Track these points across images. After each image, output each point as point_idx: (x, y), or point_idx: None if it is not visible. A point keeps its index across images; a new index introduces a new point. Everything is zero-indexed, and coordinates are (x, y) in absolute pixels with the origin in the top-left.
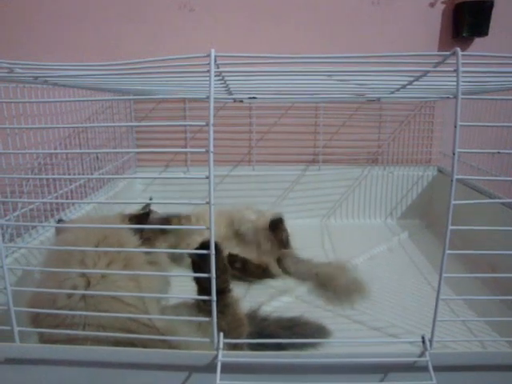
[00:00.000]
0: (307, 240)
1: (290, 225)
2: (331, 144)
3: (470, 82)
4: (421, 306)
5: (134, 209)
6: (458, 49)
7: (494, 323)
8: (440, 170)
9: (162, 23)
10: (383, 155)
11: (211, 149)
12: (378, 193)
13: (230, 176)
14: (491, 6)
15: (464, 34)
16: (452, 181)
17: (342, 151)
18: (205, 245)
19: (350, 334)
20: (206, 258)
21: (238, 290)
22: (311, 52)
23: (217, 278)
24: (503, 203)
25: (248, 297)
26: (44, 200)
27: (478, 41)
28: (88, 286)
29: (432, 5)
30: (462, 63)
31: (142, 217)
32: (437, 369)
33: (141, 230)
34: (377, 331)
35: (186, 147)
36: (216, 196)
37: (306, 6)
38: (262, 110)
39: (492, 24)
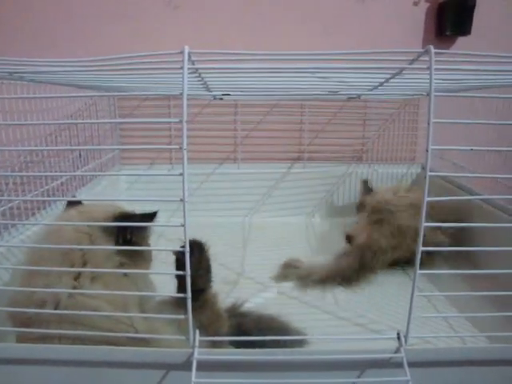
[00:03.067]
0: (292, 238)
1: (276, 222)
2: (316, 142)
3: (446, 79)
4: (405, 303)
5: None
6: (431, 46)
7: (475, 320)
8: (424, 168)
9: (146, 20)
10: (368, 153)
11: (184, 146)
12: None
13: (214, 174)
14: (473, 5)
15: (447, 33)
16: (425, 177)
17: (327, 149)
18: (190, 243)
19: (333, 331)
20: (191, 256)
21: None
22: (296, 49)
23: (200, 277)
24: (484, 201)
25: (232, 292)
26: (23, 198)
27: (461, 39)
28: (58, 303)
29: (416, 3)
30: (436, 61)
31: (135, 218)
32: (413, 365)
33: (123, 232)
34: (360, 327)
35: (170, 144)
36: (201, 194)
37: (292, 4)
38: (247, 107)
39: (475, 23)
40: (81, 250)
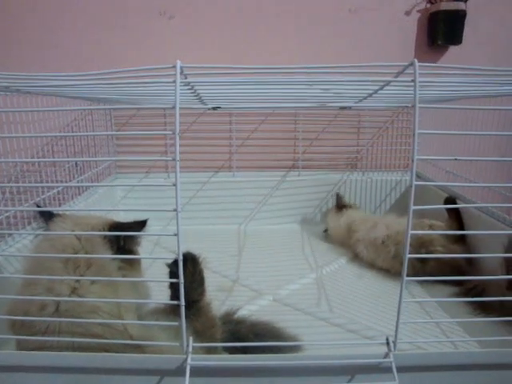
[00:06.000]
0: (287, 245)
1: (271, 230)
2: (311, 150)
3: (433, 90)
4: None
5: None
6: (415, 60)
7: (467, 325)
8: (418, 175)
9: (141, 30)
10: (362, 161)
11: (177, 158)
12: (357, 198)
13: (210, 182)
14: (464, 15)
15: (439, 42)
16: (411, 187)
17: (322, 157)
18: (184, 256)
19: (326, 337)
20: (185, 269)
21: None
22: (290, 58)
23: (193, 289)
24: (478, 209)
25: (227, 299)
26: (19, 208)
27: (452, 49)
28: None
29: (408, 13)
30: (421, 73)
31: (128, 226)
32: (402, 369)
33: (118, 239)
34: (353, 334)
35: (166, 153)
36: (196, 202)
37: (285, 14)
38: (242, 116)
39: (466, 32)
40: (85, 253)
